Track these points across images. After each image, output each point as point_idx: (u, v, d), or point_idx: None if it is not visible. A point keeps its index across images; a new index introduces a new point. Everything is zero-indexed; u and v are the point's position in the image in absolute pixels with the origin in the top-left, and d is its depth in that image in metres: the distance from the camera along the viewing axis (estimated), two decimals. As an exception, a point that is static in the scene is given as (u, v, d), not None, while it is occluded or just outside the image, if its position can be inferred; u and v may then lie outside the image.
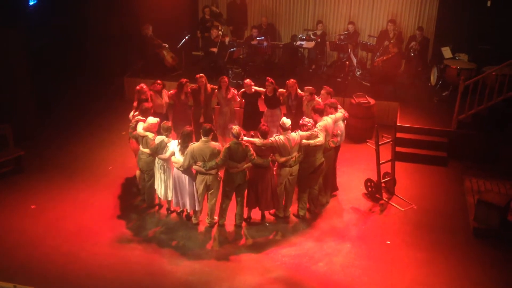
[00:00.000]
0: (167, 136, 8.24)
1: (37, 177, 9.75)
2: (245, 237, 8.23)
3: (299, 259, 7.74)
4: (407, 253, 7.93)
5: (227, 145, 7.88)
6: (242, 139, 7.86)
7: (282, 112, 9.96)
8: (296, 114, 9.49)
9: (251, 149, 7.86)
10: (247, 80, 9.94)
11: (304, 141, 8.09)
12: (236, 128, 7.90)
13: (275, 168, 8.34)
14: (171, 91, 9.87)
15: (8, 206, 8.84)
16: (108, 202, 9.03)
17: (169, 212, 8.76)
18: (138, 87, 9.46)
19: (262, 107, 10.14)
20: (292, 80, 9.68)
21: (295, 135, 8.08)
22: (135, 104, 9.23)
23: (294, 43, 13.71)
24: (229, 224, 8.46)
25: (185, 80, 9.84)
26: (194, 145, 7.87)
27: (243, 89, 9.99)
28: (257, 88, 9.94)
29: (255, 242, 8.12)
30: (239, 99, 10.01)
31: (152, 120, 8.43)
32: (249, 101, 9.98)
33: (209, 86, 10.02)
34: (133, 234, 8.23)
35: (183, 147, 8.00)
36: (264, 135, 7.94)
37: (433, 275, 7.48)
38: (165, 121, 8.49)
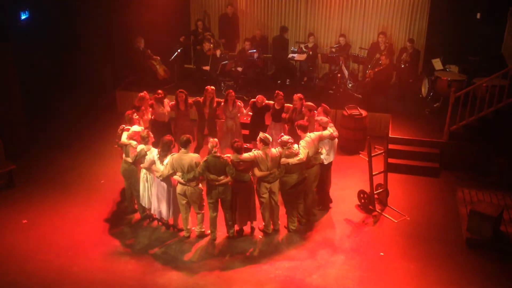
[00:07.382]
0: (145, 144, 8.25)
1: (28, 191, 9.69)
2: (238, 250, 8.20)
3: (292, 271, 7.71)
4: (400, 264, 7.93)
5: (205, 158, 7.90)
6: (216, 152, 7.83)
7: (287, 126, 9.98)
8: None
9: (230, 163, 7.86)
10: (259, 96, 9.91)
11: (283, 159, 8.05)
12: (212, 140, 7.90)
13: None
14: (172, 103, 9.90)
15: (-1, 221, 8.79)
16: (100, 216, 8.98)
17: (160, 224, 8.72)
18: (141, 94, 9.52)
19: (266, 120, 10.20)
20: (298, 95, 9.69)
21: (275, 151, 8.06)
22: None
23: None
24: (222, 237, 8.43)
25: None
26: (174, 156, 7.91)
27: (253, 100, 10.02)
28: (267, 102, 9.98)
29: (248, 255, 8.09)
30: (245, 111, 10.04)
31: (135, 128, 8.49)
32: (257, 113, 10.02)
33: (215, 99, 9.97)
34: (126, 248, 8.19)
35: (162, 155, 8.04)
36: (238, 151, 7.91)
37: (427, 286, 7.48)
38: (143, 129, 8.52)
